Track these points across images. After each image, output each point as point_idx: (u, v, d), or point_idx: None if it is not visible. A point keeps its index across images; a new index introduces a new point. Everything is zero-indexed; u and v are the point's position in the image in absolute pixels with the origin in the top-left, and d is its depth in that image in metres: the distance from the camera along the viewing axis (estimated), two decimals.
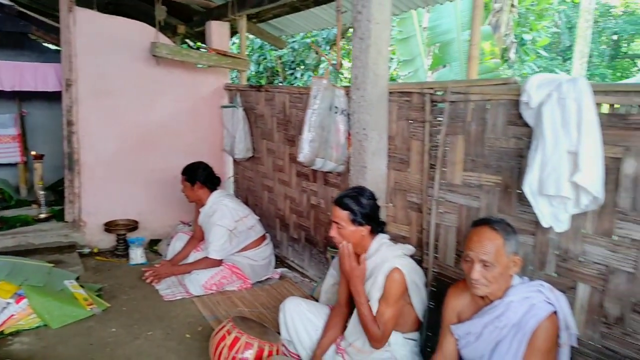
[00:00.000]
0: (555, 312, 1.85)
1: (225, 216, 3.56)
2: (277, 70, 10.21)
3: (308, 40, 9.15)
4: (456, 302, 2.13)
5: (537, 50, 8.29)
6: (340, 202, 2.39)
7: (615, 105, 1.85)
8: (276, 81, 10.30)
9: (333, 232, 2.41)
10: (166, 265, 3.67)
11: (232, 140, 4.38)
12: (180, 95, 4.71)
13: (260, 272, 3.76)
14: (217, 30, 4.80)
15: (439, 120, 2.56)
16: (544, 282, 1.92)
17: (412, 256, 2.58)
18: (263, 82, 10.22)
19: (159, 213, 4.68)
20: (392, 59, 7.67)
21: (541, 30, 8.16)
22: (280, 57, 10.07)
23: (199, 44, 7.21)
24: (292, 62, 9.84)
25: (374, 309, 2.37)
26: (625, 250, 1.85)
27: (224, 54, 4.38)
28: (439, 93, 2.56)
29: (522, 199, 2.05)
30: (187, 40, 7.57)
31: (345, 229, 2.37)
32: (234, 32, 5.16)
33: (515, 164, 2.20)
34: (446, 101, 2.50)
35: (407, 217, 2.87)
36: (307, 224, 3.81)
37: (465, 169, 2.46)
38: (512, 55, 7.05)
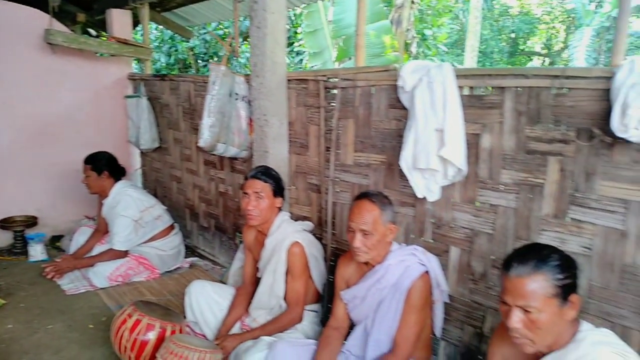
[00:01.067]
0: (427, 272, 2.08)
1: (130, 206, 3.51)
2: (190, 62, 10.01)
3: (221, 32, 9.07)
4: (345, 271, 2.31)
5: (438, 46, 8.92)
6: (259, 176, 2.50)
7: (474, 88, 2.11)
8: (189, 73, 10.11)
9: (246, 203, 2.47)
10: (68, 259, 3.55)
11: (137, 131, 4.30)
12: (80, 85, 4.52)
13: (169, 261, 3.75)
14: (118, 19, 4.65)
15: (332, 106, 2.74)
16: (418, 247, 2.16)
17: (313, 234, 2.75)
18: (175, 73, 9.98)
19: (61, 208, 4.48)
20: (303, 52, 7.84)
21: (441, 26, 8.78)
22: (192, 49, 9.88)
23: (103, 33, 6.91)
24: (205, 53, 9.69)
25: (280, 284, 2.51)
26: (486, 215, 2.13)
27: (124, 42, 4.27)
28: (331, 80, 2.73)
29: (403, 175, 2.27)
30: (90, 30, 7.22)
31: (264, 200, 2.47)
32: (139, 21, 5.02)
33: (397, 144, 2.42)
34: (337, 87, 2.68)
35: (308, 198, 3.03)
36: (216, 212, 3.86)
37: (356, 150, 2.66)
38: (413, 49, 7.53)
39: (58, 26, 4.18)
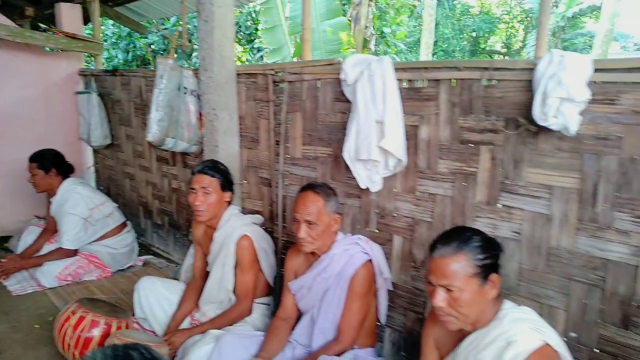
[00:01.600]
0: (370, 261, 2.14)
1: (78, 204, 3.43)
2: (148, 59, 9.81)
3: (180, 28, 8.92)
4: (293, 262, 2.35)
5: (397, 44, 9.06)
6: (205, 171, 2.47)
7: (412, 81, 2.17)
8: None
9: (194, 199, 2.46)
10: (14, 259, 3.43)
11: (88, 128, 4.21)
12: (28, 81, 4.38)
13: (121, 260, 3.69)
14: (67, 13, 4.53)
15: (281, 99, 2.76)
16: (362, 236, 2.21)
17: (264, 227, 2.76)
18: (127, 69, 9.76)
19: (9, 208, 4.33)
20: (263, 48, 7.83)
21: (400, 24, 8.92)
22: (150, 45, 9.69)
23: (54, 28, 6.69)
24: (164, 50, 9.52)
25: (229, 277, 2.51)
26: (425, 203, 2.20)
27: (73, 37, 4.16)
28: (279, 74, 2.75)
29: (349, 167, 2.31)
30: (41, 25, 6.99)
31: (212, 195, 2.45)
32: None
33: (342, 136, 2.43)
34: (285, 81, 2.70)
35: (259, 192, 3.04)
36: (170, 209, 3.82)
37: (304, 143, 2.69)
38: (372, 46, 7.63)
39: (3, 20, 4.04)
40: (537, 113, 1.65)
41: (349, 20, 7.10)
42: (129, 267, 3.74)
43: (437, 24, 21.31)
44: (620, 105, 1.58)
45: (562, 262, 1.78)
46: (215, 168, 2.52)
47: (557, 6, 20.59)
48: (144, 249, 4.09)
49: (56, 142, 4.15)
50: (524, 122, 1.77)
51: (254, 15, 9.11)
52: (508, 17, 23.35)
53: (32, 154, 3.51)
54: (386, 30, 8.31)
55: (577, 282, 1.75)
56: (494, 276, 1.44)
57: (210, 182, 2.46)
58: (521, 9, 22.97)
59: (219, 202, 2.51)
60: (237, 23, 8.94)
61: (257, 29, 8.98)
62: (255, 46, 8.16)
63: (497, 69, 1.84)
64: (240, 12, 9.19)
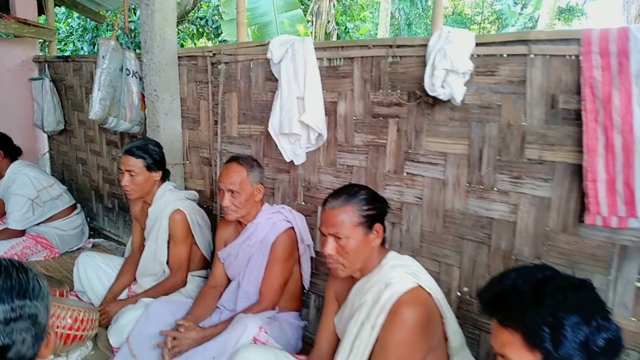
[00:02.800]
0: (292, 228, 2.27)
1: (25, 185, 3.48)
2: None
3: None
4: (223, 232, 2.46)
5: (360, 38, 9.25)
6: (132, 152, 2.53)
7: (332, 59, 2.31)
8: None
9: (121, 179, 2.56)
10: None
11: (42, 114, 4.24)
12: None
13: (70, 241, 3.74)
14: (21, 0, 4.55)
15: (219, 80, 2.87)
16: (285, 206, 2.34)
17: (206, 206, 2.87)
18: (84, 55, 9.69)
19: None
20: (225, 40, 7.91)
21: (363, 19, 9.12)
22: (117, 38, 9.65)
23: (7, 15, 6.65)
24: (132, 42, 9.50)
25: (163, 250, 2.61)
26: (344, 175, 2.34)
27: (24, 23, 4.19)
28: (216, 56, 2.86)
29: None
30: None
31: (138, 176, 2.53)
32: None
33: None
34: (221, 63, 2.81)
35: (201, 171, 3.15)
36: (120, 192, 3.89)
37: (240, 122, 2.81)
38: (334, 40, 7.80)
39: None
40: (427, 84, 1.80)
41: (311, 14, 7.25)
42: (78, 249, 3.79)
43: (410, 24, 21.68)
44: (499, 76, 1.75)
45: (456, 223, 1.95)
46: (143, 148, 2.55)
47: (525, 7, 21.14)
48: (96, 232, 4.15)
49: (10, 129, 4.17)
50: (421, 95, 1.93)
51: (220, 9, 9.19)
52: (479, 18, 23.84)
53: None
54: (349, 25, 8.51)
55: (468, 240, 1.92)
56: (377, 226, 1.59)
57: (135, 163, 2.51)
58: (492, 10, 23.48)
59: (146, 181, 2.56)
60: (204, 17, 9.00)
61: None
62: (222, 39, 8.23)
63: (399, 46, 2.00)
64: (208, 5, 9.25)
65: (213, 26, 8.63)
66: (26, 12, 4.56)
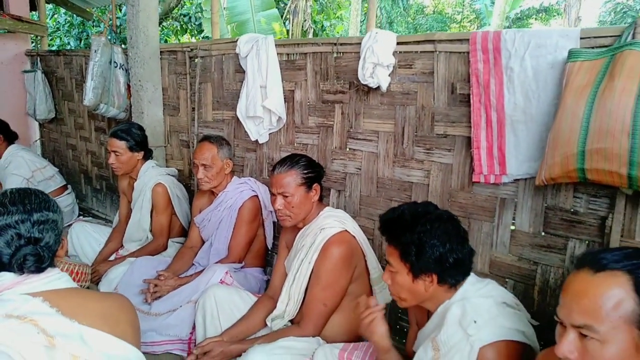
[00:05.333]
0: (256, 196, 2.70)
1: (21, 166, 3.85)
2: None
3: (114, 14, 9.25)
4: (199, 201, 2.89)
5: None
6: (116, 134, 2.93)
7: (290, 54, 2.74)
8: None
9: (108, 158, 2.96)
10: None
11: (34, 103, 4.60)
12: None
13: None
14: None
15: (196, 72, 3.28)
16: (252, 178, 2.77)
17: (186, 184, 3.29)
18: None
19: None
20: (207, 37, 8.28)
21: (340, 18, 9.56)
22: (101, 33, 9.93)
23: (2, 12, 6.94)
24: (117, 38, 9.80)
25: (146, 218, 3.02)
26: (301, 152, 2.77)
27: (18, 19, 4.55)
28: (194, 51, 3.27)
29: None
30: None
31: (122, 155, 2.92)
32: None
33: None
34: (198, 57, 3.23)
35: (180, 153, 3.56)
36: (107, 174, 4.28)
37: (214, 109, 3.22)
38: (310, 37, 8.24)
39: None
40: (360, 75, 2.25)
41: (288, 12, 7.66)
42: (68, 226, 4.17)
43: (391, 22, 22.16)
44: (415, 69, 2.20)
45: (386, 187, 2.40)
46: (127, 131, 2.92)
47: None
48: (85, 212, 4.52)
49: (4, 117, 4.50)
50: (358, 84, 2.37)
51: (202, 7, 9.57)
52: (459, 17, 24.41)
53: None
54: (326, 23, 8.95)
55: (395, 201, 2.37)
56: (316, 185, 2.04)
57: (119, 145, 2.89)
58: (472, 9, 24.07)
59: (130, 160, 2.95)
60: (187, 15, 9.35)
61: None
62: (204, 35, 8.60)
63: (342, 44, 2.44)
64: (191, 3, 9.61)
65: (196, 23, 9.00)
66: (19, 9, 4.90)
